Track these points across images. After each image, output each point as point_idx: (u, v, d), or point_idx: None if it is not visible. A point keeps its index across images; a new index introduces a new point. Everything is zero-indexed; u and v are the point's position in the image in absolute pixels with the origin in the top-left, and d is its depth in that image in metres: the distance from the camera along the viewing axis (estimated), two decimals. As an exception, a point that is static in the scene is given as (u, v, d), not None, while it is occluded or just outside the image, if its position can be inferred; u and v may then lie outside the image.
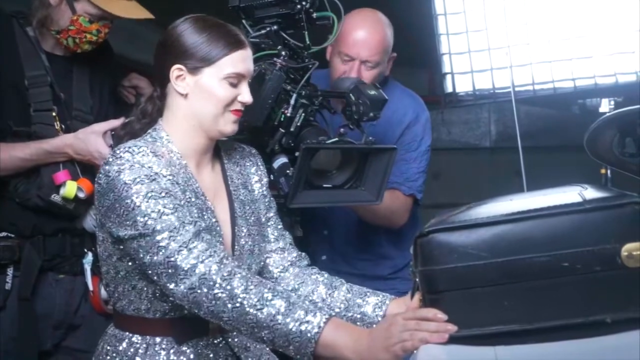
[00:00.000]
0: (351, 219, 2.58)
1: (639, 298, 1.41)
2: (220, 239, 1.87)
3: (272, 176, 2.10)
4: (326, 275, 2.02)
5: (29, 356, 2.30)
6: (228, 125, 1.88)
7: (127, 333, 1.88)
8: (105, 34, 2.37)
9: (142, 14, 2.39)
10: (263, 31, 2.21)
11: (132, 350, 1.86)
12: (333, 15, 2.23)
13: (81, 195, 2.25)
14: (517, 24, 3.08)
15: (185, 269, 1.70)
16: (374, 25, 2.49)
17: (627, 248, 1.41)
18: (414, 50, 4.23)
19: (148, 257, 1.73)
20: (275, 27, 2.22)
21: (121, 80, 2.56)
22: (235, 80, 1.86)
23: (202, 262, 1.70)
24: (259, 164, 2.06)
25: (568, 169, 3.61)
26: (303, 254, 2.07)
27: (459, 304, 1.48)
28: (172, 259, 1.70)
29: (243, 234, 1.94)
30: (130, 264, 1.81)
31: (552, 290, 1.43)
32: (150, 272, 1.75)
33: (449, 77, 3.17)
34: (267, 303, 1.67)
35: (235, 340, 1.91)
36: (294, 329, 1.65)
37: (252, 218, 1.98)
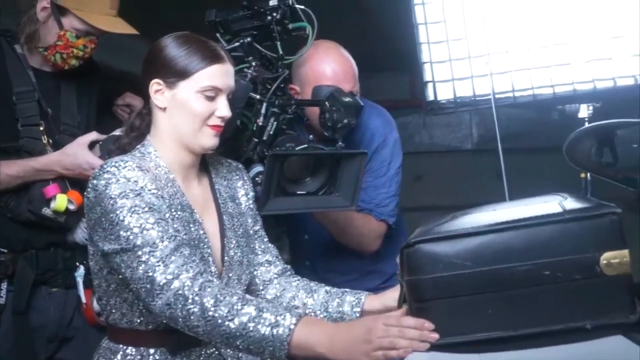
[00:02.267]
0: (330, 247, 2.59)
1: (618, 304, 1.46)
2: (209, 251, 1.91)
3: None
4: (304, 280, 2.07)
5: (25, 369, 2.34)
6: (208, 139, 1.92)
7: (121, 345, 1.91)
8: (92, 50, 2.41)
9: (127, 29, 2.42)
10: (237, 43, 2.24)
11: (126, 362, 1.90)
12: (309, 25, 2.25)
13: (71, 207, 2.28)
14: (497, 33, 3.12)
15: (161, 284, 1.73)
16: (341, 57, 2.48)
17: (606, 256, 1.46)
18: (396, 55, 4.27)
19: (129, 272, 1.77)
20: (248, 39, 2.25)
21: (114, 96, 2.59)
22: (211, 93, 1.90)
23: (177, 277, 1.73)
24: (245, 178, 2.10)
25: (548, 170, 3.66)
26: (288, 266, 2.11)
27: (444, 312, 1.52)
28: (150, 273, 1.74)
29: (232, 246, 1.98)
30: (120, 277, 1.84)
31: (534, 298, 1.48)
32: (132, 286, 1.79)
33: (430, 85, 3.22)
34: (238, 313, 1.70)
35: (229, 351, 1.94)
36: (266, 334, 1.67)
37: (241, 230, 2.02)
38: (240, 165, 2.12)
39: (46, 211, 2.29)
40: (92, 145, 2.31)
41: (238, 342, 1.70)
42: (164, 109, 1.92)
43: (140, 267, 1.75)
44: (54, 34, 2.35)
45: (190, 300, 1.71)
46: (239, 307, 1.70)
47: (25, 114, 2.35)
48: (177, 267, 1.74)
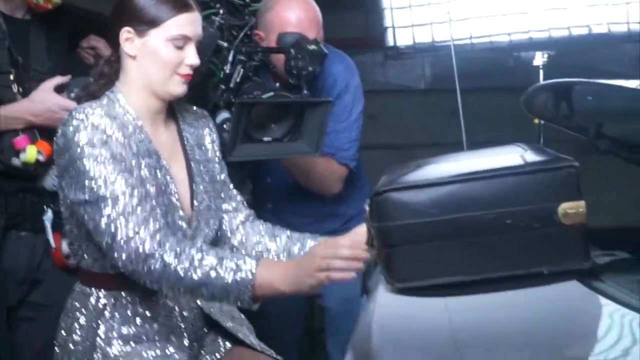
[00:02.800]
0: (292, 190, 2.65)
1: (573, 252, 1.54)
2: (176, 196, 1.96)
3: None
4: (268, 224, 2.14)
5: (-3, 312, 2.36)
6: (177, 87, 1.96)
7: (94, 289, 1.97)
8: None
9: None
10: None
11: (100, 304, 1.95)
12: None
13: (41, 158, 2.28)
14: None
15: (122, 240, 1.79)
16: (306, 5, 2.49)
17: (563, 207, 1.53)
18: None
19: (92, 224, 1.83)
20: None
21: (79, 39, 2.57)
22: (180, 42, 1.93)
23: (137, 233, 1.79)
24: (211, 125, 2.14)
25: (502, 111, 3.75)
26: (252, 211, 2.17)
27: (412, 257, 1.58)
28: (112, 228, 1.79)
29: (200, 191, 2.03)
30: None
31: (496, 245, 1.55)
32: (96, 239, 1.84)
33: (390, 31, 3.25)
34: (199, 264, 1.77)
35: None
36: (229, 280, 1.76)
37: (208, 176, 2.07)
38: (206, 113, 2.16)
39: (15, 161, 2.29)
40: (59, 89, 2.30)
41: (203, 291, 1.79)
42: (134, 57, 1.94)
43: (103, 221, 1.80)
44: None
45: (150, 256, 1.78)
46: (200, 258, 1.78)
47: None
48: (137, 223, 1.79)
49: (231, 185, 2.15)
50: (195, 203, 2.01)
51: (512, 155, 1.68)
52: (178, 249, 1.78)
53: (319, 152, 2.23)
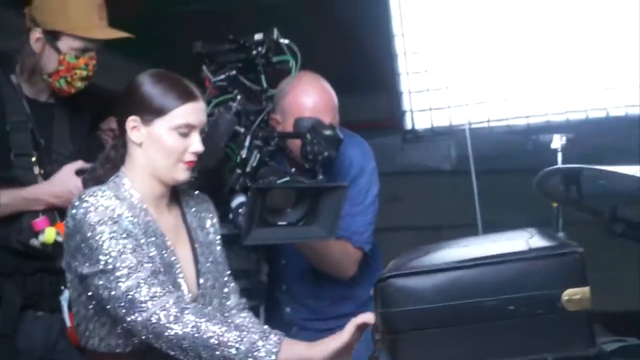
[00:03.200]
0: (307, 272, 2.64)
1: (578, 338, 1.53)
2: (181, 276, 1.98)
3: (230, 215, 2.20)
4: (254, 321, 2.12)
5: (11, 393, 2.37)
6: (181, 173, 1.98)
7: None
8: (94, 67, 2.44)
9: (121, 34, 2.45)
10: (222, 76, 2.31)
11: (108, 383, 1.95)
12: (292, 58, 2.32)
13: (60, 239, 2.31)
14: (475, 64, 3.21)
15: (144, 300, 1.81)
16: (322, 89, 2.51)
17: (567, 293, 1.53)
18: (373, 78, 4.33)
19: (107, 292, 1.84)
20: (233, 72, 2.31)
21: (101, 120, 2.64)
22: (185, 130, 1.96)
23: (159, 297, 1.81)
24: (212, 209, 2.16)
25: (523, 192, 3.73)
26: (243, 300, 2.15)
27: (415, 343, 1.58)
28: (130, 293, 1.81)
29: (205, 271, 2.05)
30: (95, 301, 1.91)
31: (499, 331, 1.55)
32: (109, 307, 1.85)
33: (408, 115, 3.29)
34: (220, 332, 1.79)
35: None
36: (254, 343, 1.78)
37: (211, 257, 2.09)
38: (207, 197, 2.18)
39: (34, 242, 2.33)
40: (80, 173, 2.35)
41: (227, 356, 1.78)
42: (140, 144, 1.98)
43: (119, 288, 1.82)
44: (54, 60, 2.39)
45: (173, 316, 1.79)
46: (220, 326, 1.80)
47: (19, 143, 2.39)
48: (156, 290, 1.82)
49: (228, 271, 2.15)
50: (201, 281, 2.04)
51: (518, 241, 1.68)
52: (198, 319, 1.80)
53: (334, 236, 2.23)
